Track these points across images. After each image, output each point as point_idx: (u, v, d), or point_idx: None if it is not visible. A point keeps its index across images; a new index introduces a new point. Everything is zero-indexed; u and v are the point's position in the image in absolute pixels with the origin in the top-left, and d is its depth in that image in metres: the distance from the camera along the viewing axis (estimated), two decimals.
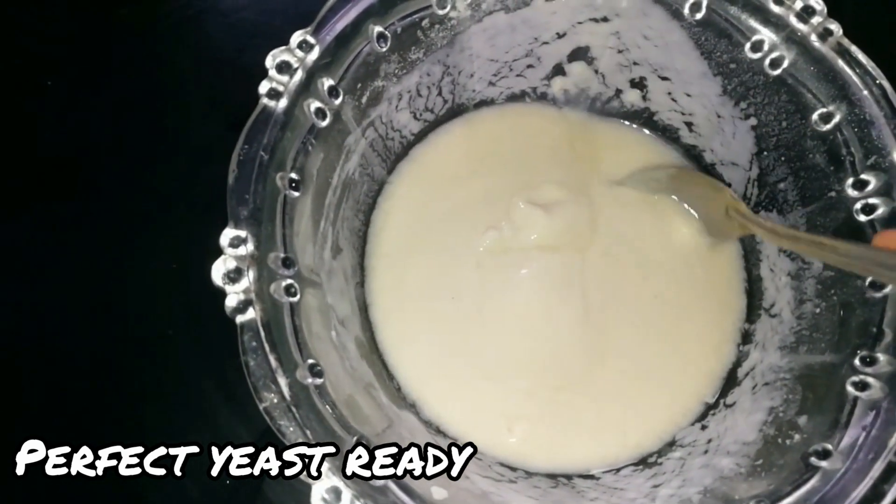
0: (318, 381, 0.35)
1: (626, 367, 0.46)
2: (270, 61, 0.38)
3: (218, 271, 0.34)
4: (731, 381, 0.46)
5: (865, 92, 0.38)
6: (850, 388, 0.36)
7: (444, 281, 0.48)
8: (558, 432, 0.45)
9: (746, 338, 0.47)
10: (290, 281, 0.36)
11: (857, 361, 0.37)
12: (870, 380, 0.36)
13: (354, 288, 0.45)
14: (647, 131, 0.53)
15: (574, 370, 0.46)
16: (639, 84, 0.50)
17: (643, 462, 0.44)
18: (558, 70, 0.50)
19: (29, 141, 0.56)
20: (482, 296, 0.47)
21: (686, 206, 0.50)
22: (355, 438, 0.34)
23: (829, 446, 0.35)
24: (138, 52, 0.59)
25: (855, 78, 0.39)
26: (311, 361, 0.35)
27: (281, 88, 0.37)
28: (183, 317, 0.50)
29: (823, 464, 0.35)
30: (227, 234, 0.35)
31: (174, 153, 0.55)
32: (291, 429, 0.33)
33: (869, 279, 0.38)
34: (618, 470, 0.43)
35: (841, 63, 0.39)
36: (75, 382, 0.50)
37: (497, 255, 0.48)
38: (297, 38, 0.38)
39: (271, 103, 0.37)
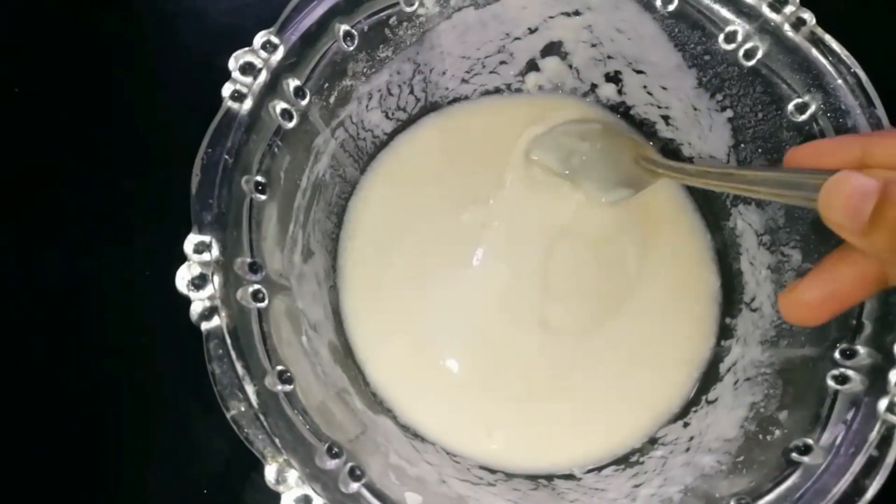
0: (288, 387, 0.34)
1: (606, 365, 0.46)
2: (233, 63, 0.37)
3: (182, 278, 0.34)
4: (712, 376, 0.45)
5: (840, 81, 0.38)
6: (830, 382, 0.36)
7: (421, 282, 0.47)
8: (540, 435, 0.44)
9: (728, 333, 0.46)
10: (257, 286, 0.35)
11: (836, 354, 0.36)
12: (850, 373, 0.35)
13: (328, 292, 0.45)
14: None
15: (554, 371, 0.45)
16: (614, 78, 0.49)
17: (625, 461, 0.43)
18: (532, 66, 0.50)
19: None
20: (463, 305, 0.47)
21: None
22: (327, 445, 0.34)
23: (810, 441, 0.35)
24: (111, 57, 0.58)
25: (829, 67, 0.38)
26: (280, 368, 0.34)
27: (245, 90, 0.36)
28: (156, 324, 0.49)
29: (804, 459, 0.34)
30: (192, 240, 0.34)
31: (148, 159, 0.54)
32: (260, 437, 0.33)
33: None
34: (599, 470, 0.43)
35: (815, 52, 0.38)
36: (47, 393, 0.49)
37: (476, 252, 0.47)
38: (260, 38, 0.37)
39: (235, 105, 0.36)
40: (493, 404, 0.44)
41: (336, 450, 0.34)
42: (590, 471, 0.43)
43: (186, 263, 0.34)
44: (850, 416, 0.34)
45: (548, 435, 0.44)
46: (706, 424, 0.42)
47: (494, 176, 0.49)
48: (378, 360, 0.45)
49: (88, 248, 0.52)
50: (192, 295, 0.33)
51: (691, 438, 0.42)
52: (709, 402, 0.44)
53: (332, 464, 0.33)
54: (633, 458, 0.43)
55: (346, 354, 0.44)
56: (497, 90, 0.52)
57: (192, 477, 0.47)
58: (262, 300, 0.35)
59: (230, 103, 0.36)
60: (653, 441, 0.44)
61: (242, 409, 0.32)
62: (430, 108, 0.51)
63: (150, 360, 0.49)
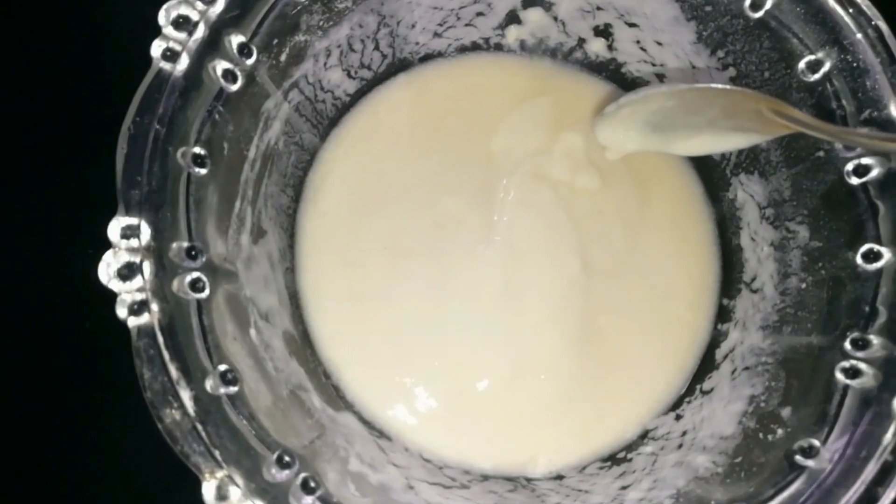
0: (233, 389, 0.31)
1: (593, 350, 0.43)
2: (164, 16, 0.33)
3: (106, 268, 0.30)
4: (708, 363, 0.43)
5: (859, 35, 0.34)
6: (839, 376, 0.34)
7: (392, 260, 0.43)
8: (520, 428, 0.41)
9: (725, 315, 0.44)
10: (196, 274, 0.32)
11: (847, 344, 0.34)
12: (861, 365, 0.33)
13: (283, 274, 0.41)
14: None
15: (537, 358, 0.42)
16: (603, 32, 0.45)
17: (611, 458, 0.41)
18: (512, 18, 0.46)
19: None
20: (437, 275, 0.43)
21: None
22: (277, 454, 0.31)
23: (816, 442, 0.32)
24: (18, 10, 0.50)
25: (847, 19, 0.35)
26: (223, 367, 0.31)
27: (179, 48, 0.32)
28: (81, 322, 0.44)
29: (809, 463, 0.32)
30: (117, 223, 0.31)
31: (66, 130, 0.48)
32: (198, 449, 0.29)
33: (861, 251, 0.34)
34: (583, 468, 0.40)
35: (831, 2, 0.35)
36: None
37: (458, 224, 0.44)
38: None
39: (167, 66, 0.32)
40: (468, 397, 0.41)
41: (287, 459, 0.31)
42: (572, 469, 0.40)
43: (111, 250, 0.30)
44: (861, 414, 0.32)
45: (529, 427, 0.42)
46: (700, 418, 0.40)
47: (475, 143, 0.46)
48: (341, 349, 0.42)
49: (13, 240, 0.47)
50: (118, 287, 0.30)
51: (684, 433, 0.39)
52: (703, 393, 0.41)
53: (282, 475, 0.31)
54: (621, 455, 0.41)
55: (303, 345, 0.41)
56: (474, 45, 0.48)
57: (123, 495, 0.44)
58: (203, 290, 0.32)
59: (161, 64, 0.32)
60: (642, 435, 0.42)
61: (177, 417, 0.30)
62: (400, 65, 0.47)
63: (76, 363, 0.45)
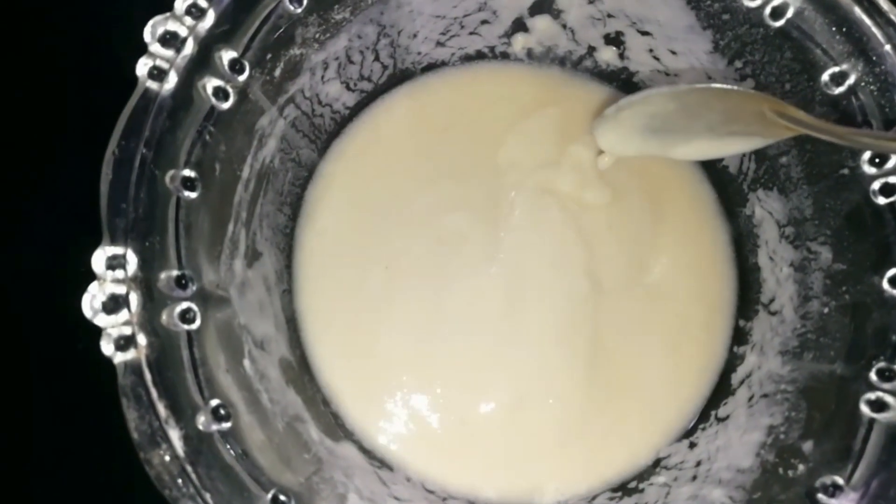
0: (226, 425, 0.30)
1: (604, 372, 0.41)
2: (150, 33, 0.31)
3: (90, 301, 0.29)
4: (723, 388, 0.41)
5: (888, 47, 0.33)
6: (864, 408, 0.32)
7: (396, 280, 0.42)
8: (526, 457, 0.40)
9: (741, 338, 0.42)
10: (186, 304, 0.31)
11: (872, 375, 0.33)
12: (888, 398, 0.32)
13: (280, 297, 0.40)
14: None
15: (544, 381, 0.41)
16: (615, 40, 0.43)
17: (622, 488, 0.39)
18: (519, 26, 0.44)
19: None
20: (440, 295, 0.42)
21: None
22: (272, 494, 0.30)
23: (840, 480, 0.31)
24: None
25: (875, 29, 0.33)
26: (215, 402, 0.30)
27: (166, 66, 0.31)
28: (63, 358, 0.43)
29: (832, 502, 0.31)
30: (102, 254, 0.29)
31: (49, 154, 0.46)
32: (189, 492, 0.28)
33: (888, 275, 0.33)
34: (593, 498, 0.39)
35: (858, 11, 0.33)
36: None
37: (462, 241, 0.43)
38: (183, 1, 0.31)
39: (154, 85, 0.31)
40: (473, 423, 0.40)
41: (283, 498, 0.30)
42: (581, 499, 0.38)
43: (95, 283, 0.29)
44: (888, 451, 0.31)
45: (536, 455, 0.40)
46: (716, 447, 0.38)
47: (483, 155, 0.44)
48: (341, 373, 0.41)
49: None
50: (103, 321, 0.29)
51: (699, 463, 0.38)
52: (719, 420, 0.40)
53: None
54: (632, 484, 0.39)
55: (301, 371, 0.40)
56: (479, 54, 0.46)
57: None
58: (193, 320, 0.31)
59: (148, 83, 0.31)
60: (655, 463, 0.40)
61: (166, 459, 0.28)
62: (401, 76, 0.45)
63: (56, 402, 0.44)
